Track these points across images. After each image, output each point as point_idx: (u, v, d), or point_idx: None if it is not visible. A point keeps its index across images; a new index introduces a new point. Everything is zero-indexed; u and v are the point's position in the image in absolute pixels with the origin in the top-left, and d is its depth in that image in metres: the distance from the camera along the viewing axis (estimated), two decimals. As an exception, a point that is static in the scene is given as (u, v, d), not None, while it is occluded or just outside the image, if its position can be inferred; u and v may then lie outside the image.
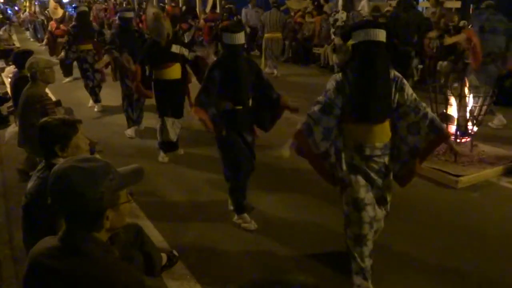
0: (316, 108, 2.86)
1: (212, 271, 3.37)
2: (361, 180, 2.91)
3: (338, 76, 2.86)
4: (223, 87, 3.67)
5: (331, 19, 9.78)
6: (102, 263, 1.54)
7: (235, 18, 12.68)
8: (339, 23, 9.45)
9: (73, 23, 8.38)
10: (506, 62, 5.87)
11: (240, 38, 3.67)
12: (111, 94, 8.10)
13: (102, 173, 1.54)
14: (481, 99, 5.06)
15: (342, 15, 9.39)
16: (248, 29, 11.45)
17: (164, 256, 3.23)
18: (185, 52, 5.29)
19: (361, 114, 2.81)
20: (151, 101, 6.48)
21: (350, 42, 2.81)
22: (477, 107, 5.04)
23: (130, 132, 6.60)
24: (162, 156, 5.56)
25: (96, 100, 8.15)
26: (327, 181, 3.11)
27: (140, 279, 1.61)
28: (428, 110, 2.95)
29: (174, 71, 5.31)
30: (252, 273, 3.36)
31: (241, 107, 3.78)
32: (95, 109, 8.08)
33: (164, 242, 3.74)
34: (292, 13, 12.74)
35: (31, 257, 1.61)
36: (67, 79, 10.53)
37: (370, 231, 2.94)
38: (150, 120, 6.74)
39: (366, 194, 2.90)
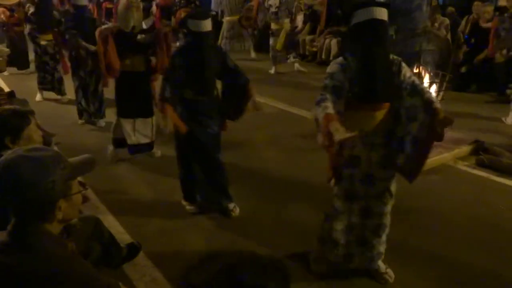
0: (326, 92, 2.60)
1: (175, 261, 3.33)
2: (357, 173, 2.82)
3: (340, 60, 2.70)
4: (186, 75, 3.59)
5: (266, 4, 9.95)
6: (54, 258, 1.49)
7: (193, 5, 12.47)
8: (273, 9, 9.60)
9: (32, 10, 7.96)
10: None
11: (207, 25, 3.55)
12: (68, 84, 7.86)
13: (53, 162, 1.49)
14: (437, 85, 5.18)
15: (275, 1, 9.53)
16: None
17: (124, 248, 3.18)
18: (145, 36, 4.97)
19: (368, 95, 2.68)
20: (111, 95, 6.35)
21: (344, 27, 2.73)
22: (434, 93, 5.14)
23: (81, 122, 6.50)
24: (111, 150, 5.23)
25: (41, 92, 7.78)
26: (333, 165, 2.84)
27: (94, 273, 1.57)
28: (426, 90, 2.77)
29: (138, 62, 4.96)
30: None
31: (204, 98, 3.69)
32: (63, 101, 7.78)
33: (125, 233, 3.67)
34: (252, 2, 12.68)
35: None
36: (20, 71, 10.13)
37: (360, 221, 2.92)
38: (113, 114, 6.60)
39: (361, 187, 2.83)
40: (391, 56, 2.74)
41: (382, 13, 2.58)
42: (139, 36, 4.91)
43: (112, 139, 5.26)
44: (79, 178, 1.65)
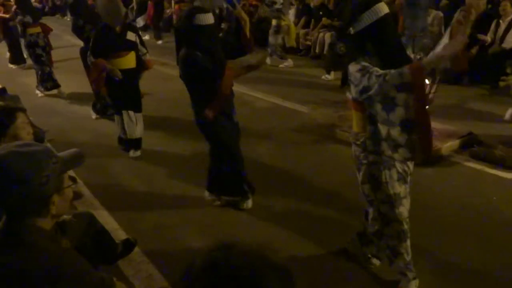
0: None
1: (170, 257, 3.34)
2: (394, 173, 2.70)
3: (361, 59, 2.57)
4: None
5: (266, 1, 9.78)
6: (48, 254, 1.48)
7: None
8: (277, 6, 9.48)
9: (15, 6, 7.86)
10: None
11: (211, 17, 3.55)
12: (62, 80, 7.83)
13: (45, 157, 1.48)
14: (430, 78, 5.18)
15: None
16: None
17: (119, 244, 3.17)
18: (137, 41, 5.00)
19: None
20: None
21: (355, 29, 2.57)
22: (427, 86, 5.15)
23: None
24: (133, 152, 5.22)
25: (55, 85, 7.73)
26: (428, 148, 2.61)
27: (88, 268, 1.57)
28: None
29: (130, 60, 4.91)
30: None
31: None
32: (62, 95, 7.75)
33: (120, 229, 3.67)
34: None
35: None
36: (16, 66, 10.10)
37: (408, 224, 2.83)
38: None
39: (400, 188, 2.71)
40: None
41: (384, 7, 2.55)
42: (128, 34, 4.85)
43: (124, 141, 5.22)
44: (71, 173, 1.65)
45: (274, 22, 9.60)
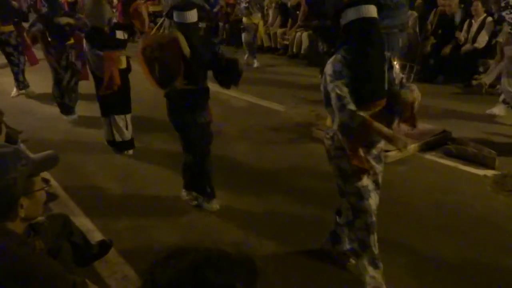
0: (344, 93, 2.56)
1: (147, 257, 3.29)
2: (379, 168, 2.83)
3: (339, 57, 2.62)
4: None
5: None
6: (16, 258, 1.46)
7: None
8: (244, 4, 9.61)
9: None
10: None
11: (192, 16, 3.50)
12: (36, 79, 7.70)
13: (13, 159, 1.46)
14: (405, 76, 5.26)
15: None
16: None
17: (95, 245, 3.13)
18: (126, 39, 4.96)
19: (366, 95, 2.67)
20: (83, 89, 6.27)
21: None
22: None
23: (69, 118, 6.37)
24: (126, 152, 5.19)
25: (23, 86, 7.63)
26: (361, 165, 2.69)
27: (60, 271, 1.54)
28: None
29: (122, 60, 4.87)
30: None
31: (194, 87, 3.62)
32: (32, 94, 7.61)
33: (96, 231, 3.63)
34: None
35: None
36: None
37: (376, 217, 2.87)
38: (84, 107, 6.51)
39: (367, 181, 2.79)
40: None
41: (371, 11, 2.56)
42: (117, 34, 4.80)
43: (115, 143, 5.13)
44: (46, 175, 1.62)
45: (243, 20, 9.76)
